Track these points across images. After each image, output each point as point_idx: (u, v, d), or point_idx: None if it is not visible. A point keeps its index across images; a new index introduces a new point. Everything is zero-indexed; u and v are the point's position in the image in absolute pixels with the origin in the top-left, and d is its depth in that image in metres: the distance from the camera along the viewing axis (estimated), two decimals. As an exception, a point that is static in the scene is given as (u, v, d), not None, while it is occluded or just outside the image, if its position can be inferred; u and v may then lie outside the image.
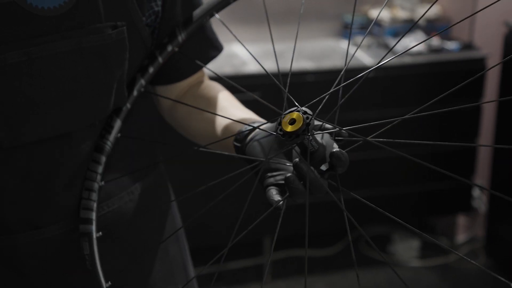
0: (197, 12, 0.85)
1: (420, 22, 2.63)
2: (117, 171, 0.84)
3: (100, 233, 0.77)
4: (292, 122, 0.65)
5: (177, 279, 0.95)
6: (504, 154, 2.49)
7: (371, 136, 0.67)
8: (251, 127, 0.77)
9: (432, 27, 2.63)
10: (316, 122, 0.70)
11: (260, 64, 0.76)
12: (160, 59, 0.83)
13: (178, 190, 1.04)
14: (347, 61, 0.73)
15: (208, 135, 0.87)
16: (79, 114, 0.75)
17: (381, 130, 0.66)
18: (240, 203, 2.03)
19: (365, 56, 2.42)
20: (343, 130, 0.69)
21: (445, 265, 2.59)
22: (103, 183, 0.80)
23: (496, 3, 0.60)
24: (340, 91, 0.71)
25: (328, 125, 0.70)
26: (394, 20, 2.62)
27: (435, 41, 2.51)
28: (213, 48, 0.92)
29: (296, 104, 0.68)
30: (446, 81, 2.42)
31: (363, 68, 2.30)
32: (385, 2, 0.73)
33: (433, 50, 2.46)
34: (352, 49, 2.57)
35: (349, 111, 2.20)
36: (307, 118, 0.65)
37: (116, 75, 0.76)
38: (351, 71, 2.30)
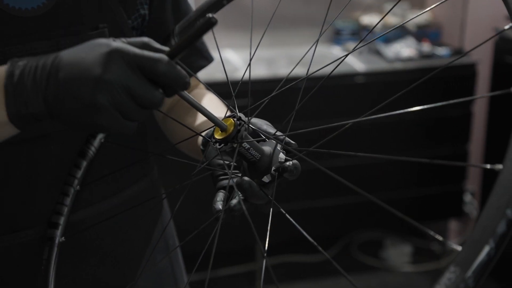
0: (192, 17, 0.83)
1: (411, 28, 2.65)
2: (101, 177, 0.82)
3: (63, 238, 0.76)
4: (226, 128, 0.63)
5: None
6: (496, 159, 2.50)
7: (314, 146, 0.65)
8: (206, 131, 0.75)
9: (422, 33, 2.64)
10: (269, 129, 0.68)
11: (204, 84, 0.76)
12: None
13: (173, 197, 1.03)
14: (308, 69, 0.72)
15: (189, 142, 0.87)
16: None
17: (331, 136, 0.63)
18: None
19: (356, 62, 2.43)
20: (288, 139, 0.66)
21: (437, 270, 2.59)
22: (78, 187, 0.78)
23: (486, 9, 0.60)
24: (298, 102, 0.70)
25: (279, 133, 0.67)
26: (385, 26, 2.63)
27: (426, 47, 2.53)
28: (202, 58, 0.92)
29: (233, 110, 0.66)
30: (436, 86, 2.43)
31: (354, 74, 2.31)
32: (385, 13, 0.73)
33: (423, 56, 2.48)
34: (342, 55, 2.58)
35: (339, 117, 2.20)
36: (239, 125, 0.63)
37: None
38: (339, 78, 2.30)
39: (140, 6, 0.81)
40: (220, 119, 0.64)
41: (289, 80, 0.72)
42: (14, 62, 0.56)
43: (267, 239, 0.64)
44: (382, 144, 2.41)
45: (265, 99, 0.68)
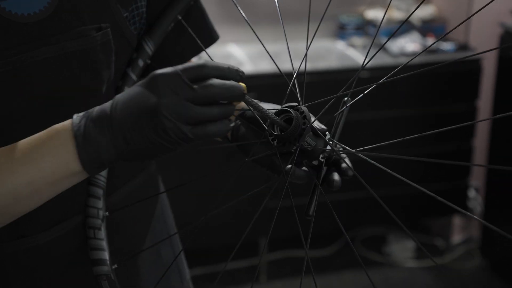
0: (160, 19, 0.83)
1: (416, 22, 2.63)
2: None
3: (116, 265, 0.74)
4: (286, 121, 0.64)
5: (172, 282, 0.94)
6: (500, 155, 2.49)
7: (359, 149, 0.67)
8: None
9: (427, 28, 2.63)
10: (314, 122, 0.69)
11: (274, 62, 0.75)
12: (133, 77, 0.81)
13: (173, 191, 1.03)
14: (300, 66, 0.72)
15: None
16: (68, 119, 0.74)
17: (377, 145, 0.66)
18: (236, 203, 2.02)
19: (361, 57, 2.42)
20: (337, 147, 0.68)
21: (440, 266, 2.59)
22: (107, 213, 0.78)
23: (491, 4, 0.59)
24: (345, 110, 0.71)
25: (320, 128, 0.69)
26: (389, 21, 2.62)
27: (431, 41, 2.52)
28: (207, 38, 0.90)
29: (299, 100, 0.67)
30: (441, 82, 2.43)
31: (358, 68, 2.30)
32: (388, 5, 0.72)
33: (428, 51, 2.47)
34: (347, 49, 2.57)
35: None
36: (303, 123, 0.64)
37: (104, 79, 0.75)
38: (343, 72, 2.30)
39: (139, 3, 0.79)
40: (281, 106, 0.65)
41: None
42: (76, 116, 0.62)
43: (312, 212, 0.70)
44: (386, 139, 2.40)
45: (332, 96, 0.69)
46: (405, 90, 2.40)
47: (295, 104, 0.66)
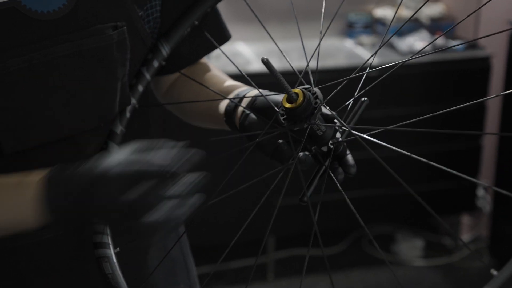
0: (177, 24, 0.84)
1: (425, 21, 2.62)
2: None
3: (118, 248, 0.75)
4: (293, 100, 0.64)
5: (179, 278, 0.94)
6: (509, 153, 2.48)
7: (370, 133, 0.67)
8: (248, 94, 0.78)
9: (436, 26, 2.62)
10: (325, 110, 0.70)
11: (286, 58, 0.76)
12: (148, 76, 0.82)
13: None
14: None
15: (201, 111, 0.88)
16: (83, 117, 0.75)
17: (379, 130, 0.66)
18: (243, 200, 2.03)
19: (369, 55, 2.41)
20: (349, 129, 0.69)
21: (449, 265, 2.58)
22: None
23: (500, 2, 0.59)
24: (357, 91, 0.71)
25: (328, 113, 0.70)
26: (398, 19, 2.61)
27: (440, 40, 2.50)
28: (221, 37, 0.91)
29: (308, 83, 0.68)
30: (450, 80, 2.41)
31: (367, 67, 2.30)
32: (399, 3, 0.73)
33: (437, 49, 2.46)
34: (355, 48, 2.56)
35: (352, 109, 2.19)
36: (315, 103, 0.64)
37: (119, 76, 0.76)
38: (351, 71, 2.29)
39: (154, 9, 0.80)
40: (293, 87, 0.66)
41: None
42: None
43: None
44: (393, 139, 2.40)
45: (340, 80, 0.70)
46: (414, 88, 2.39)
47: (307, 86, 0.67)
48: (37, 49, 0.68)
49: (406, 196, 2.48)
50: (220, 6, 0.91)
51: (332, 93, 0.69)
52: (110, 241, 0.73)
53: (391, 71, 0.72)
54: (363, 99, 0.69)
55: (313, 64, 0.77)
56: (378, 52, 0.72)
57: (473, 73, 2.43)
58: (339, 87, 0.71)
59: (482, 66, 2.41)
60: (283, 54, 0.78)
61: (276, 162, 0.74)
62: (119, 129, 0.80)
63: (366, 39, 2.60)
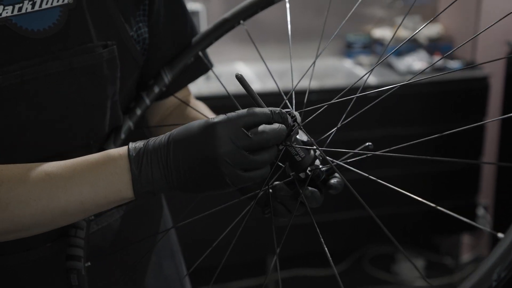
0: (182, 54, 0.87)
1: (423, 41, 2.64)
2: None
3: (89, 263, 0.75)
4: None
5: None
6: (508, 173, 2.48)
7: (342, 159, 0.68)
8: None
9: (434, 47, 2.64)
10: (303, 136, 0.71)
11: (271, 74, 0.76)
12: (147, 101, 0.85)
13: (174, 204, 1.03)
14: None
15: None
16: (72, 135, 0.75)
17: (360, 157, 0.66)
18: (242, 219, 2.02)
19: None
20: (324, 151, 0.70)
21: (450, 285, 2.56)
22: (92, 217, 0.79)
23: (498, 23, 0.60)
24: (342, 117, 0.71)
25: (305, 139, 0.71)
26: (396, 40, 2.63)
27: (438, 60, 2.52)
28: (203, 66, 0.93)
29: (289, 106, 0.68)
30: (449, 99, 2.42)
31: (366, 87, 2.31)
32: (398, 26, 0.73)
33: (435, 69, 2.47)
34: (354, 68, 2.58)
35: (350, 130, 2.20)
36: (293, 125, 0.65)
37: (109, 94, 0.77)
38: (350, 90, 2.30)
39: (141, 26, 0.82)
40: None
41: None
42: (132, 146, 0.65)
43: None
44: (394, 158, 2.40)
45: (319, 105, 0.70)
46: (412, 108, 2.40)
47: (288, 109, 0.67)
48: (28, 66, 0.69)
49: (406, 216, 2.48)
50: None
51: (311, 117, 0.70)
52: (83, 254, 0.74)
53: (375, 101, 0.73)
54: (368, 144, 0.71)
55: (307, 84, 0.78)
56: (377, 72, 0.73)
57: (471, 92, 2.44)
58: (318, 111, 0.71)
59: (480, 86, 2.43)
60: (271, 75, 0.79)
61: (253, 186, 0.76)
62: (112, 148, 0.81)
63: (364, 59, 2.62)
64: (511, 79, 2.41)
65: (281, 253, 2.52)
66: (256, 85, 2.31)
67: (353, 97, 0.72)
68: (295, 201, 0.71)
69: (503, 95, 2.47)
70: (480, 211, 2.62)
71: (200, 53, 0.88)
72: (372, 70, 0.72)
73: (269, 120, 0.63)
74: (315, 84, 2.30)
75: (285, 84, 2.28)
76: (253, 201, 0.71)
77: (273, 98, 0.71)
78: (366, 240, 2.57)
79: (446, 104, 2.42)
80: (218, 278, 2.43)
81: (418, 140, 0.66)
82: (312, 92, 2.27)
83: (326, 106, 0.70)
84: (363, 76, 0.76)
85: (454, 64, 2.50)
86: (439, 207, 0.55)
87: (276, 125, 0.63)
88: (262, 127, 0.62)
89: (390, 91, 0.69)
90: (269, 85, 2.29)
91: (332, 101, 0.70)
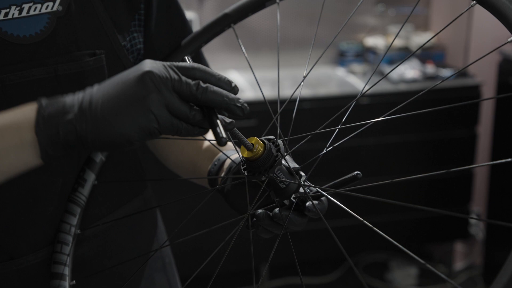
0: (171, 57, 0.86)
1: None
2: (99, 201, 0.82)
3: (74, 281, 0.74)
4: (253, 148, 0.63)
5: None
6: (501, 181, 2.49)
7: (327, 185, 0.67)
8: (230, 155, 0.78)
9: (426, 55, 2.65)
10: (291, 162, 0.69)
11: (261, 90, 0.76)
12: None
13: (168, 214, 1.03)
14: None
15: (186, 167, 0.90)
16: None
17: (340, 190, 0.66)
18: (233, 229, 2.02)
19: (360, 83, 2.44)
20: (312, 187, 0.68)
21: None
22: (79, 231, 0.78)
23: (490, 32, 0.60)
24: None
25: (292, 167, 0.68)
26: (389, 48, 2.64)
27: (430, 68, 2.53)
28: None
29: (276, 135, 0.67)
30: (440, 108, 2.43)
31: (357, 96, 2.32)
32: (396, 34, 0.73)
33: (428, 78, 2.48)
34: (347, 76, 2.59)
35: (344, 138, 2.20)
36: (276, 155, 0.63)
37: None
38: (342, 99, 2.31)
39: (133, 28, 0.81)
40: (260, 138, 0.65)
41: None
42: (41, 101, 0.58)
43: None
44: (386, 166, 2.41)
45: (306, 134, 0.69)
46: (406, 117, 2.40)
47: (272, 137, 0.66)
48: (10, 71, 0.68)
49: (400, 223, 2.48)
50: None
51: (295, 147, 0.69)
52: (68, 273, 0.73)
53: (368, 125, 0.73)
54: (356, 173, 0.68)
55: (298, 92, 0.78)
56: (371, 80, 0.73)
57: (463, 101, 2.45)
58: (303, 141, 0.70)
59: (472, 94, 2.44)
60: (259, 87, 0.79)
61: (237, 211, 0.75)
62: (99, 158, 0.80)
63: (357, 67, 2.63)
64: (503, 88, 2.43)
65: (273, 261, 2.52)
66: (249, 94, 2.31)
67: (336, 129, 0.71)
68: (278, 225, 0.68)
69: (495, 104, 2.48)
70: (473, 220, 2.63)
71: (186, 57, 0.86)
72: (359, 96, 0.72)
73: (211, 81, 0.61)
74: (308, 92, 2.30)
75: (276, 92, 2.28)
76: (238, 226, 0.68)
77: (265, 106, 0.71)
78: (359, 248, 2.56)
79: (438, 112, 2.43)
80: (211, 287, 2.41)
81: (407, 178, 0.65)
82: (305, 100, 2.27)
83: (310, 136, 0.69)
84: (354, 100, 0.75)
85: (446, 72, 2.51)
86: (444, 211, 0.55)
87: (223, 91, 0.61)
88: (208, 86, 0.59)
89: (376, 121, 0.68)
90: (260, 93, 2.29)
91: (317, 131, 0.69)
